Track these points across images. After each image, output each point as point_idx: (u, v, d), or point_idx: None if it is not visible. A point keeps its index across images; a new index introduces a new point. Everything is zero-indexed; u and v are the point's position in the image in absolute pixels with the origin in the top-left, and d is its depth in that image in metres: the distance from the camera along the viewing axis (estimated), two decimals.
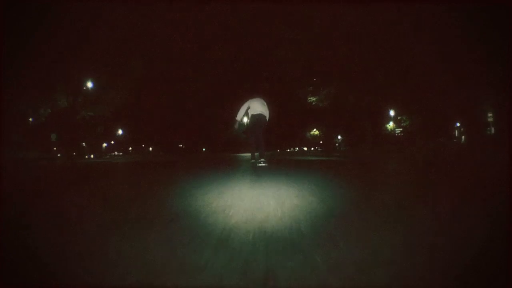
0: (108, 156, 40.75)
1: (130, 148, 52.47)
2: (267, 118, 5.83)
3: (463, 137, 26.17)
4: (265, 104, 5.97)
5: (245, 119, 6.40)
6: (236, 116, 6.06)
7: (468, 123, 23.77)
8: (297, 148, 41.76)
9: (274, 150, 29.41)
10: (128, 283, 1.02)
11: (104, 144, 45.99)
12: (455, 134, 29.54)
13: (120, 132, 39.99)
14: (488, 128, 19.73)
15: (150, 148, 47.86)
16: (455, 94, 18.44)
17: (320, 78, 25.53)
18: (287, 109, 30.09)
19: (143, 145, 50.48)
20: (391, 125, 34.16)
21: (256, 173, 3.92)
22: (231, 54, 30.77)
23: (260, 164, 5.38)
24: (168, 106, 35.27)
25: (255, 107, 5.75)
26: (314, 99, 26.58)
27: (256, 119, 5.68)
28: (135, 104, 34.96)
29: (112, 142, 45.06)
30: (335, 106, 25.87)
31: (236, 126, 6.29)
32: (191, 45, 30.65)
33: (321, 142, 36.27)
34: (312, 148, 38.71)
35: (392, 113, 30.85)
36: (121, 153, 49.45)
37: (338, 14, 19.16)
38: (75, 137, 30.04)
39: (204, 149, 34.09)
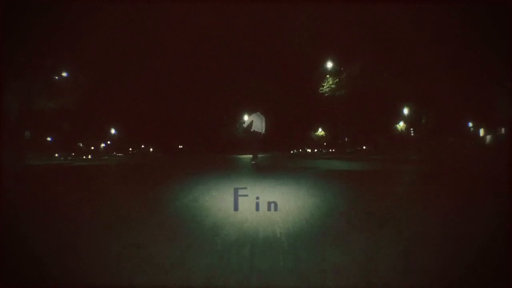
0: (106, 157, 41.12)
1: (130, 149, 52.64)
2: (263, 132, 8.09)
3: (487, 137, 24.38)
4: (263, 119, 8.10)
5: (246, 119, 8.65)
6: (242, 123, 8.99)
7: (492, 122, 22.39)
8: (300, 150, 41.50)
9: (274, 152, 28.79)
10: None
11: (102, 145, 46.28)
12: (478, 133, 27.90)
13: (113, 131, 40.23)
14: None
15: (151, 149, 48.11)
16: (476, 89, 17.77)
17: (342, 56, 21.51)
18: (291, 106, 29.88)
19: (142, 146, 50.68)
20: (401, 124, 33.87)
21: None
22: (230, 44, 30.52)
23: (252, 162, 7.91)
24: (164, 105, 35.43)
25: (256, 124, 7.96)
26: (327, 88, 22.12)
27: (255, 133, 7.95)
28: (125, 103, 35.27)
29: (109, 142, 45.27)
30: (357, 92, 21.35)
31: (238, 127, 9.28)
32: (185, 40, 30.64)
33: (325, 143, 36.21)
34: (316, 150, 38.42)
35: (406, 111, 28.82)
36: (120, 154, 49.74)
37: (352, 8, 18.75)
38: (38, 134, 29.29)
39: (203, 150, 34.20)
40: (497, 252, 1.25)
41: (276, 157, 16.64)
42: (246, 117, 30.67)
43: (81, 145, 45.69)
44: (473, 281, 1.06)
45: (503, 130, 19.94)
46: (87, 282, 1.13)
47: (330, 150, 34.15)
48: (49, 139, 40.49)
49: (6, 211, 2.17)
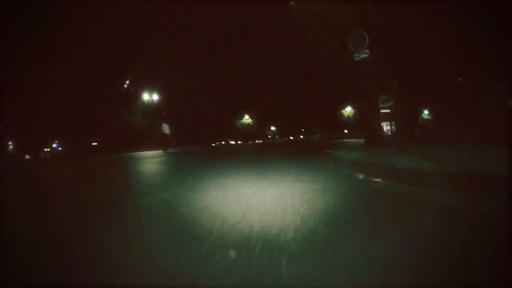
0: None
1: (47, 149, 48.37)
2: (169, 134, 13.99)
3: None
4: (168, 125, 13.87)
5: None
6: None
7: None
8: (223, 142, 37.51)
9: (191, 146, 24.27)
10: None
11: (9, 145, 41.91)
12: None
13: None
14: None
15: (59, 148, 44.23)
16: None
17: None
18: (208, 88, 26.61)
19: (55, 145, 46.70)
20: (348, 110, 31.55)
21: None
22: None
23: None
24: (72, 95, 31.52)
25: (165, 128, 13.75)
26: None
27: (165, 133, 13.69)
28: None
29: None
30: None
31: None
32: None
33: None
34: (240, 142, 34.48)
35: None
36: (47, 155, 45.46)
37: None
38: None
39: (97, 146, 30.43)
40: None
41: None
42: (146, 96, 27.16)
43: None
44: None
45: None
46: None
47: (257, 141, 31.05)
48: None
49: None
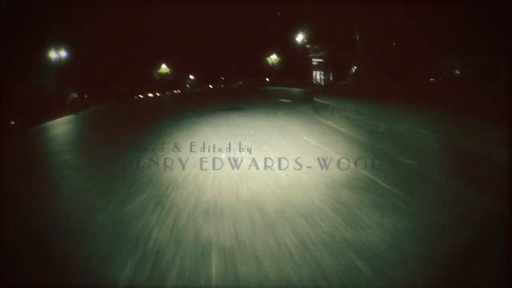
0: None
1: None
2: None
3: None
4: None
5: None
6: None
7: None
8: (141, 96, 35.37)
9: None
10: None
11: None
12: None
13: None
14: None
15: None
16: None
17: None
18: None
19: None
20: (273, 58, 30.35)
21: None
22: None
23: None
24: None
25: (73, 96, 12.90)
26: None
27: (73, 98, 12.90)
28: None
29: None
30: None
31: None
32: None
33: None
34: (158, 93, 32.78)
35: (299, 38, 25.60)
36: None
37: None
38: None
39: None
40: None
41: None
42: (53, 54, 24.07)
43: None
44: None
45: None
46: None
47: (175, 91, 29.94)
48: None
49: None
